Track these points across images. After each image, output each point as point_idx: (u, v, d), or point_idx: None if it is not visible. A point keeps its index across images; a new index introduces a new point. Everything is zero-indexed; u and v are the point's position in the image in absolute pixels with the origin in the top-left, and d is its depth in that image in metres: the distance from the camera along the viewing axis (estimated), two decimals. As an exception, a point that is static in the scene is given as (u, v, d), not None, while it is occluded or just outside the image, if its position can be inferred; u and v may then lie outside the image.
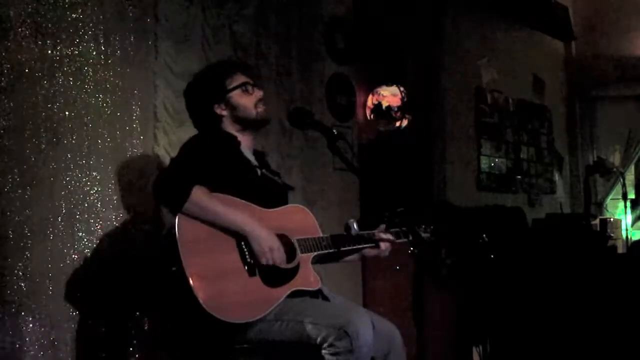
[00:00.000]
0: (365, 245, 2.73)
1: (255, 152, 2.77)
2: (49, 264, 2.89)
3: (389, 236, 2.74)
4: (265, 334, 2.40)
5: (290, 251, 2.51)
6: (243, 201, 2.47)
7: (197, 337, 2.41)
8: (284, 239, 2.51)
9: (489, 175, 6.05)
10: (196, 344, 2.45)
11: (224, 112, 2.66)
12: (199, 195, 2.34)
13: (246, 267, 2.39)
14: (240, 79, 2.68)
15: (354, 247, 2.70)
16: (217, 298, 2.28)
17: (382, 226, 2.75)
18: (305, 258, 2.55)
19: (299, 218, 2.66)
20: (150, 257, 3.17)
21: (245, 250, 2.40)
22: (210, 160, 2.48)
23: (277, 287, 2.44)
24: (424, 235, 2.79)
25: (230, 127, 2.68)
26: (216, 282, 2.31)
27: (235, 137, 2.66)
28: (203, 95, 2.68)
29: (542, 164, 6.79)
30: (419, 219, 2.61)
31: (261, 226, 2.41)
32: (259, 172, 2.70)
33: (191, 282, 2.25)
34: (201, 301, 2.25)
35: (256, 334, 2.40)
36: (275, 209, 2.58)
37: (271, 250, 2.40)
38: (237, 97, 2.66)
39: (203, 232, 2.35)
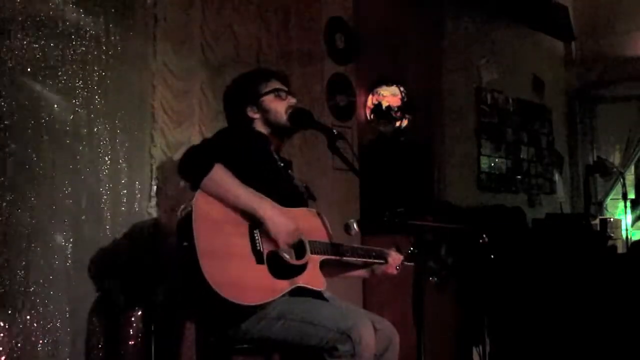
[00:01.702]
0: (375, 261, 2.75)
1: (282, 158, 2.80)
2: (49, 264, 2.89)
3: (398, 256, 2.77)
4: (267, 332, 2.40)
5: (300, 249, 2.52)
6: (261, 194, 2.49)
7: (200, 336, 2.42)
8: None
9: (489, 175, 6.05)
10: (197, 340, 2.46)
11: (256, 115, 2.70)
12: (220, 173, 2.38)
13: (254, 255, 2.40)
14: (274, 84, 2.73)
15: (363, 259, 2.74)
16: (222, 275, 2.29)
17: (393, 248, 2.79)
18: (314, 259, 2.56)
19: (314, 222, 2.68)
20: (148, 255, 3.18)
21: (257, 238, 2.42)
22: (240, 150, 2.53)
23: (282, 279, 2.44)
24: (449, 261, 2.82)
25: (261, 129, 2.71)
26: (224, 261, 2.33)
27: (267, 136, 2.71)
28: (237, 98, 2.75)
29: (542, 164, 6.79)
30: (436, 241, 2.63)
31: (275, 209, 2.44)
32: (283, 173, 2.73)
33: (199, 256, 2.27)
34: (206, 275, 2.26)
35: (258, 331, 2.40)
36: (291, 208, 2.59)
37: (287, 231, 2.42)
38: (269, 101, 2.70)
39: (219, 213, 2.38)
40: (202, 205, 2.36)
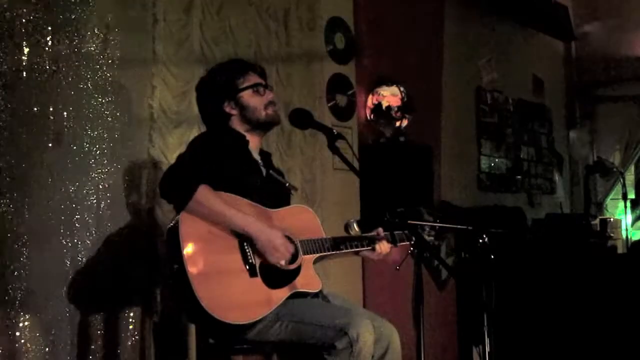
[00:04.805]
0: (364, 248, 2.74)
1: (262, 152, 2.77)
2: (49, 264, 2.89)
3: (387, 245, 2.74)
4: (265, 334, 2.40)
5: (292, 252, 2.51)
6: (248, 200, 2.47)
7: (199, 336, 2.41)
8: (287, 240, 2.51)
9: (489, 175, 6.05)
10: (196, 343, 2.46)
11: (233, 111, 2.66)
12: (204, 195, 2.33)
13: (247, 268, 2.38)
14: (252, 79, 2.68)
15: (354, 249, 2.71)
16: (217, 298, 2.28)
17: (380, 229, 2.76)
18: (307, 259, 2.54)
19: (303, 218, 2.66)
20: (147, 255, 3.18)
21: (247, 250, 2.40)
22: (218, 159, 2.48)
23: (278, 288, 2.43)
24: (428, 238, 2.80)
25: (238, 126, 2.67)
26: (217, 281, 2.31)
27: (244, 137, 2.66)
28: (214, 92, 2.68)
29: (542, 164, 6.79)
30: (422, 220, 2.62)
31: (266, 226, 2.41)
32: (264, 172, 2.70)
33: (192, 281, 2.25)
34: (201, 301, 2.24)
35: (256, 334, 2.40)
36: (279, 209, 2.58)
37: (278, 249, 2.40)
38: (247, 97, 2.65)
39: (206, 231, 2.35)
40: (189, 224, 2.32)
